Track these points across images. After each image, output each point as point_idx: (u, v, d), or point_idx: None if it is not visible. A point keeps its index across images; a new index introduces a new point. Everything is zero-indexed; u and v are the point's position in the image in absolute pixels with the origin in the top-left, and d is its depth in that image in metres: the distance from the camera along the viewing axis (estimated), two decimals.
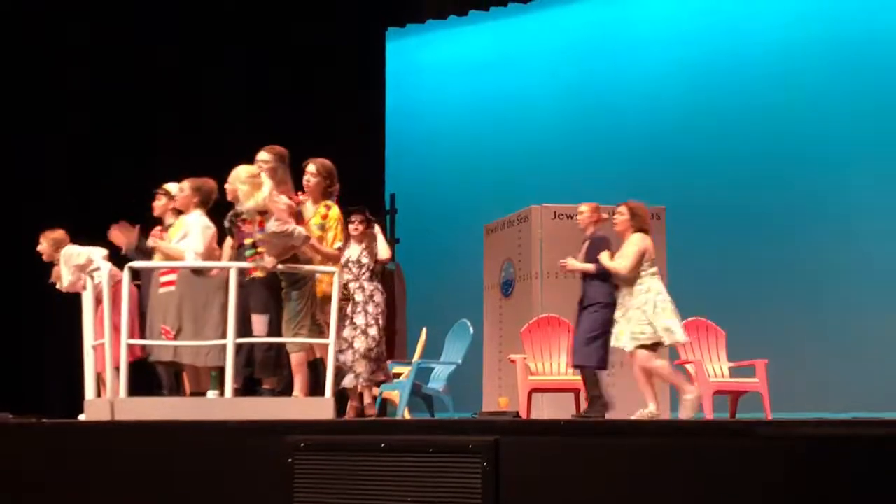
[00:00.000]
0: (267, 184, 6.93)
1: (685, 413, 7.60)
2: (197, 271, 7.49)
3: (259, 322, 7.03)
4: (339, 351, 7.61)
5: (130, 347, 7.06)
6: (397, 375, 9.45)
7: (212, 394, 7.37)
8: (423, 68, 15.56)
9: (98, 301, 7.53)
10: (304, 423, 5.74)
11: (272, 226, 6.83)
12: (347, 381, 7.98)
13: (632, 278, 7.81)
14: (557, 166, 13.61)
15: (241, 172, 6.98)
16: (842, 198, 12.15)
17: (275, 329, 7.05)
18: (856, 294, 11.91)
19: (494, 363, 10.86)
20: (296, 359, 7.02)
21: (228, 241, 7.56)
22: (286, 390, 7.17)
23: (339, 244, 7.48)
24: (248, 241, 7.00)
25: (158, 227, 8.09)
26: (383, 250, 8.39)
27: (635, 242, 7.89)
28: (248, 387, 7.43)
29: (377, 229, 8.44)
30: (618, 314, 7.88)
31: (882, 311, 11.69)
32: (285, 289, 7.04)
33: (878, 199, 11.97)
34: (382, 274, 8.82)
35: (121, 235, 8.06)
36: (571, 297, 8.48)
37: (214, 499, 5.46)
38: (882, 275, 11.81)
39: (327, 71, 13.96)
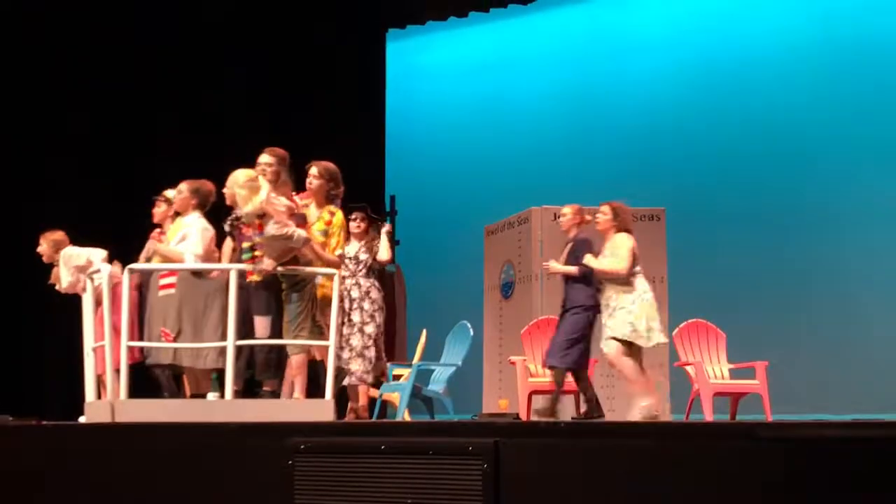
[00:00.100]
0: (265, 187, 6.92)
1: (633, 418, 7.58)
2: (197, 274, 7.48)
3: (261, 324, 7.03)
4: (339, 349, 7.62)
5: (130, 349, 7.05)
6: (397, 377, 9.45)
7: (212, 396, 7.36)
8: (424, 70, 15.56)
9: (98, 302, 7.53)
10: (304, 424, 5.74)
11: (271, 229, 6.82)
12: (346, 382, 7.99)
13: (627, 277, 7.79)
14: (557, 168, 13.61)
15: (239, 177, 6.97)
16: (842, 199, 12.15)
17: (276, 331, 7.04)
18: (856, 296, 11.90)
19: (494, 365, 10.86)
20: (296, 361, 7.03)
21: (227, 243, 7.57)
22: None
23: (339, 251, 7.50)
24: (246, 245, 7.00)
25: (157, 230, 8.09)
26: (383, 251, 8.39)
27: (625, 242, 7.87)
28: (248, 389, 7.42)
29: (384, 230, 8.45)
30: (604, 317, 7.87)
31: (882, 312, 11.69)
32: (285, 291, 7.04)
33: (879, 200, 11.96)
34: (382, 275, 8.81)
35: None
36: None
37: (215, 500, 5.46)
38: (882, 276, 11.80)
39: (327, 72, 13.96)
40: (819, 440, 4.09)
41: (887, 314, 11.65)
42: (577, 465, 4.48)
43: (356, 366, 8.04)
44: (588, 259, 7.90)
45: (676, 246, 10.58)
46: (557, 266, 8.20)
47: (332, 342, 6.94)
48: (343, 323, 7.96)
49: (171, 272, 7.53)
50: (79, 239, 8.43)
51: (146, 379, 7.66)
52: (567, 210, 8.38)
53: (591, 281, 7.98)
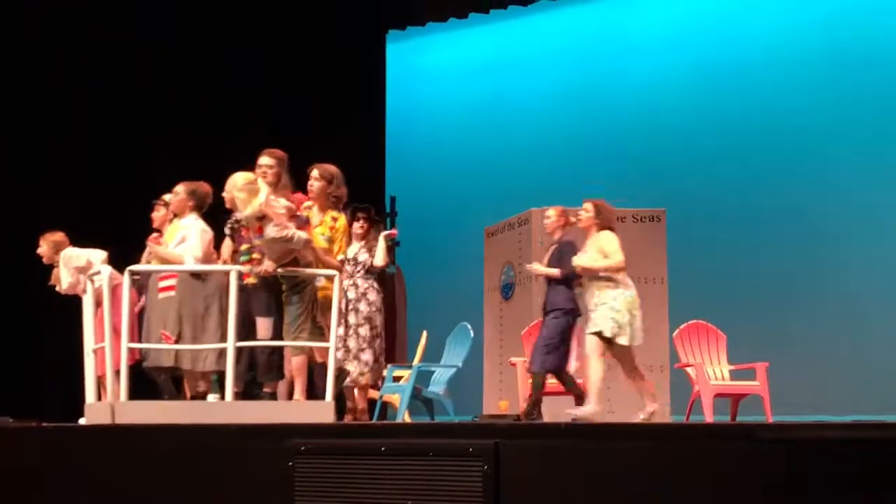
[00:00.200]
0: (264, 190, 6.91)
1: (572, 416, 7.60)
2: (196, 276, 7.46)
3: (263, 325, 7.02)
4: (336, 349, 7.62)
5: (130, 351, 7.04)
6: (397, 379, 9.44)
7: (212, 397, 7.35)
8: (424, 71, 15.57)
9: (98, 304, 7.52)
10: (304, 426, 5.74)
11: (271, 232, 6.81)
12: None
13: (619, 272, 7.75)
14: (557, 169, 13.61)
15: (237, 180, 6.96)
16: (842, 199, 12.15)
17: (278, 333, 7.04)
18: (857, 297, 11.91)
19: (495, 366, 10.85)
20: (296, 362, 7.02)
21: (226, 245, 7.54)
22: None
23: (341, 256, 7.50)
24: (244, 247, 6.99)
25: (155, 234, 8.07)
26: (379, 257, 8.35)
27: (612, 238, 7.83)
28: (247, 390, 7.42)
29: (383, 235, 8.44)
30: (591, 311, 7.83)
31: (883, 313, 11.70)
32: (286, 292, 7.03)
33: (879, 201, 11.96)
34: (383, 276, 8.79)
35: None
36: None
37: (215, 502, 5.46)
38: (882, 277, 11.81)
39: (327, 72, 13.96)
40: (819, 441, 4.09)
41: (887, 314, 11.66)
42: (578, 467, 4.48)
43: (351, 367, 8.04)
44: (589, 261, 7.84)
45: (677, 247, 10.57)
46: (540, 268, 8.18)
47: (332, 344, 6.94)
48: (340, 324, 7.95)
49: (171, 275, 7.52)
50: (79, 239, 8.42)
51: (146, 381, 7.65)
52: (551, 212, 8.34)
53: (572, 284, 7.96)
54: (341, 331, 7.95)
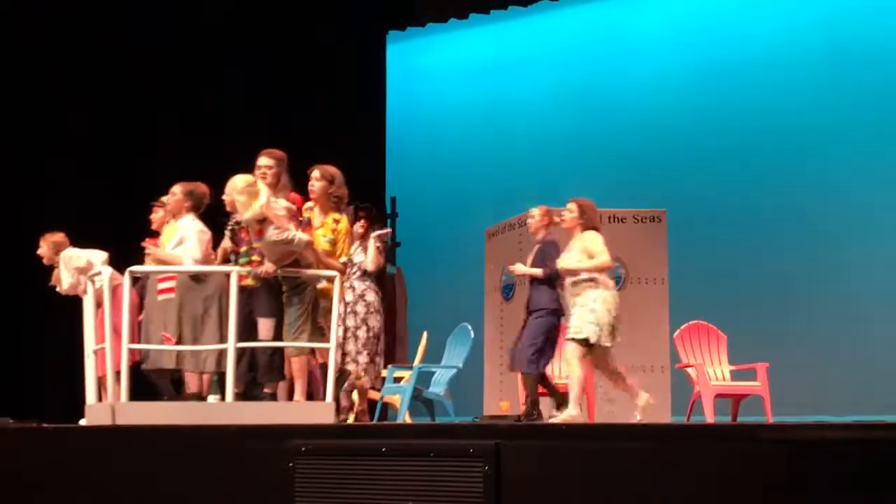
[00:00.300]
0: (264, 192, 6.90)
1: (551, 417, 7.58)
2: (195, 277, 7.44)
3: (265, 326, 7.02)
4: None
5: (130, 351, 7.04)
6: (398, 380, 9.44)
7: (213, 398, 7.35)
8: (424, 71, 15.56)
9: (98, 304, 7.52)
10: (305, 427, 5.74)
11: (271, 234, 6.81)
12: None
13: (598, 271, 7.72)
14: (558, 169, 13.60)
15: (237, 182, 6.93)
16: (843, 200, 12.15)
17: (279, 333, 7.03)
18: (857, 297, 11.91)
19: (495, 367, 10.84)
20: (296, 363, 7.02)
21: (222, 246, 7.52)
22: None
23: (344, 258, 7.49)
24: (243, 249, 6.99)
25: (151, 237, 8.06)
26: (370, 261, 8.03)
27: (597, 238, 7.79)
28: (248, 391, 7.42)
29: (373, 236, 8.08)
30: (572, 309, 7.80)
31: (883, 313, 11.70)
32: (286, 293, 7.02)
33: (879, 202, 11.96)
34: (382, 277, 8.71)
35: None
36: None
37: (216, 503, 5.45)
38: (883, 277, 11.81)
39: (327, 72, 13.96)
40: (820, 442, 4.09)
41: (887, 314, 11.66)
42: (578, 467, 4.48)
43: (350, 369, 8.01)
44: (575, 263, 7.76)
45: (677, 247, 10.56)
46: (523, 268, 8.16)
47: (332, 345, 6.94)
48: (338, 326, 7.93)
49: (171, 276, 7.51)
50: (79, 239, 8.42)
51: (147, 382, 7.65)
52: (535, 212, 8.31)
53: (555, 284, 7.94)
54: (340, 332, 7.93)
